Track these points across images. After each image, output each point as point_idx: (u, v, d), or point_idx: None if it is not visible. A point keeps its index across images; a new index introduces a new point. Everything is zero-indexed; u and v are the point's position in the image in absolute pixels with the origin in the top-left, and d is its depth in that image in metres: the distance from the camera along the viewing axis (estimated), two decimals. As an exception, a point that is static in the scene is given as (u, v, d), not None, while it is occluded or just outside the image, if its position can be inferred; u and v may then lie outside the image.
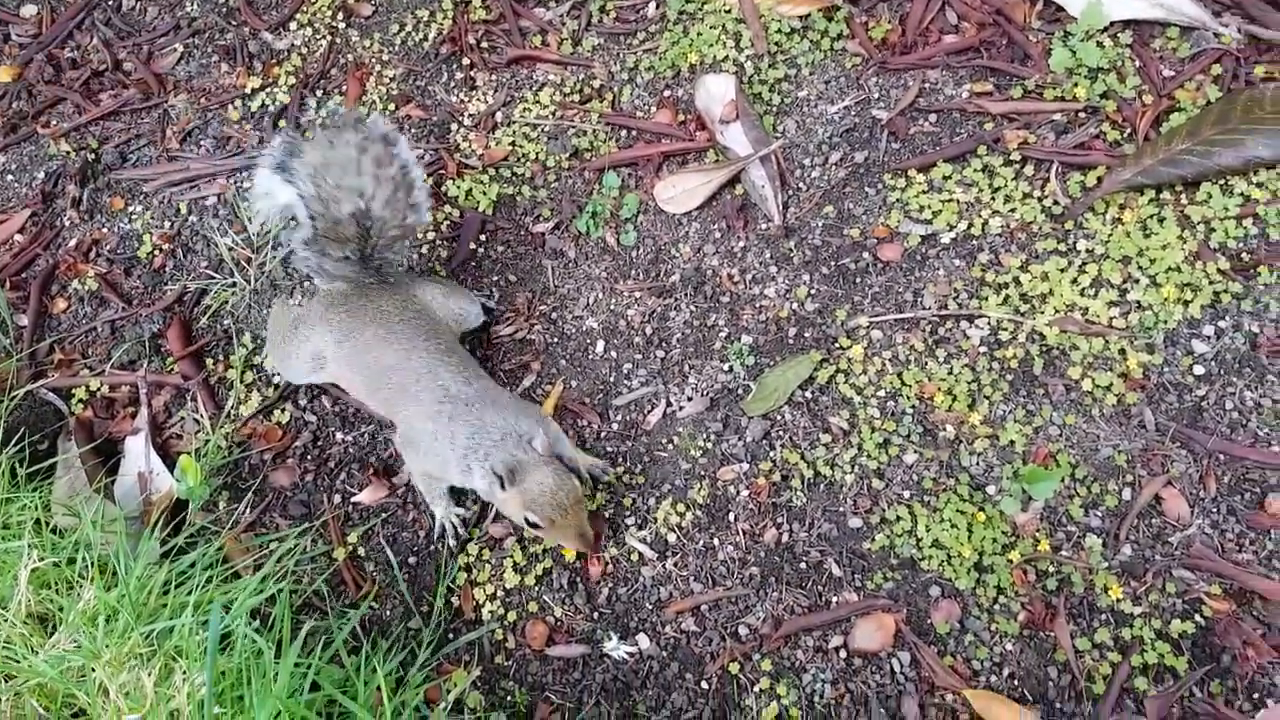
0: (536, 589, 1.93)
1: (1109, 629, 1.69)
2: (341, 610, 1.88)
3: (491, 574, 1.96)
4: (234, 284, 2.34)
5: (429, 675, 1.79)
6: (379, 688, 1.49)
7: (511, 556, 1.95)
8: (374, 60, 2.67)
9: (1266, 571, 1.68)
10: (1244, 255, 1.97)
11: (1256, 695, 1.61)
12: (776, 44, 2.47)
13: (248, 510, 2.09)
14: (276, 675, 1.50)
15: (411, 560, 2.01)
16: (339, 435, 2.18)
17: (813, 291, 2.15)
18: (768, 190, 2.29)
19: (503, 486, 1.65)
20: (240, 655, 1.56)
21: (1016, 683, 1.68)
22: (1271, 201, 2.03)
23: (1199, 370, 1.88)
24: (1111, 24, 2.29)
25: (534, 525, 1.67)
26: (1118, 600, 1.70)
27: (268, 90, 2.62)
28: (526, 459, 1.64)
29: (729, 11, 2.53)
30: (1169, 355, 1.90)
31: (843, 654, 1.76)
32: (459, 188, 2.39)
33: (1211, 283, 1.95)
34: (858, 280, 2.14)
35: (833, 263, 2.18)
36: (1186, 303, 1.94)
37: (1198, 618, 1.67)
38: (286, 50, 2.71)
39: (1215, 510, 1.75)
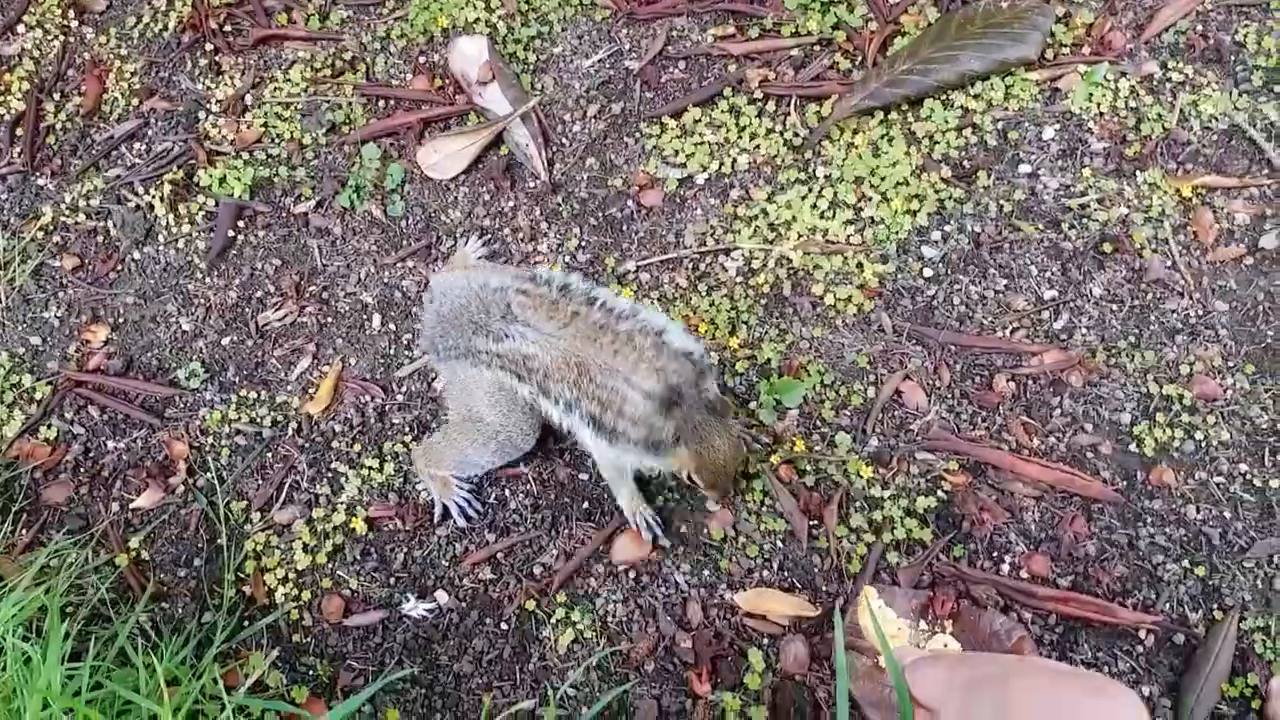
0: (329, 565, 2.02)
1: (863, 513, 1.92)
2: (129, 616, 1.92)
3: (281, 559, 2.03)
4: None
5: (225, 662, 1.85)
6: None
7: (300, 538, 2.03)
8: (112, 56, 2.66)
9: (996, 444, 1.95)
10: (965, 163, 2.24)
11: (995, 554, 1.87)
12: (527, 2, 2.61)
13: (24, 531, 2.09)
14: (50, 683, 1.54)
15: (196, 562, 2.06)
16: (110, 444, 2.20)
17: (583, 243, 2.31)
18: (531, 148, 2.43)
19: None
20: (13, 664, 1.60)
21: (785, 573, 1.89)
22: (986, 111, 2.31)
23: (928, 273, 2.14)
24: (838, -41, 2.53)
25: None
26: (868, 486, 1.93)
27: (0, 99, 2.58)
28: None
29: (478, -23, 2.65)
30: (901, 263, 2.15)
31: (631, 575, 1.93)
32: (212, 176, 2.43)
33: (937, 192, 2.21)
34: (624, 228, 2.31)
35: (600, 214, 2.34)
36: (914, 213, 2.19)
37: (939, 493, 1.92)
38: (16, 55, 2.67)
39: (950, 396, 2.01)
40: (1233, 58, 2.29)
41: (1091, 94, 2.27)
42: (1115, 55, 2.32)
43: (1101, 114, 2.25)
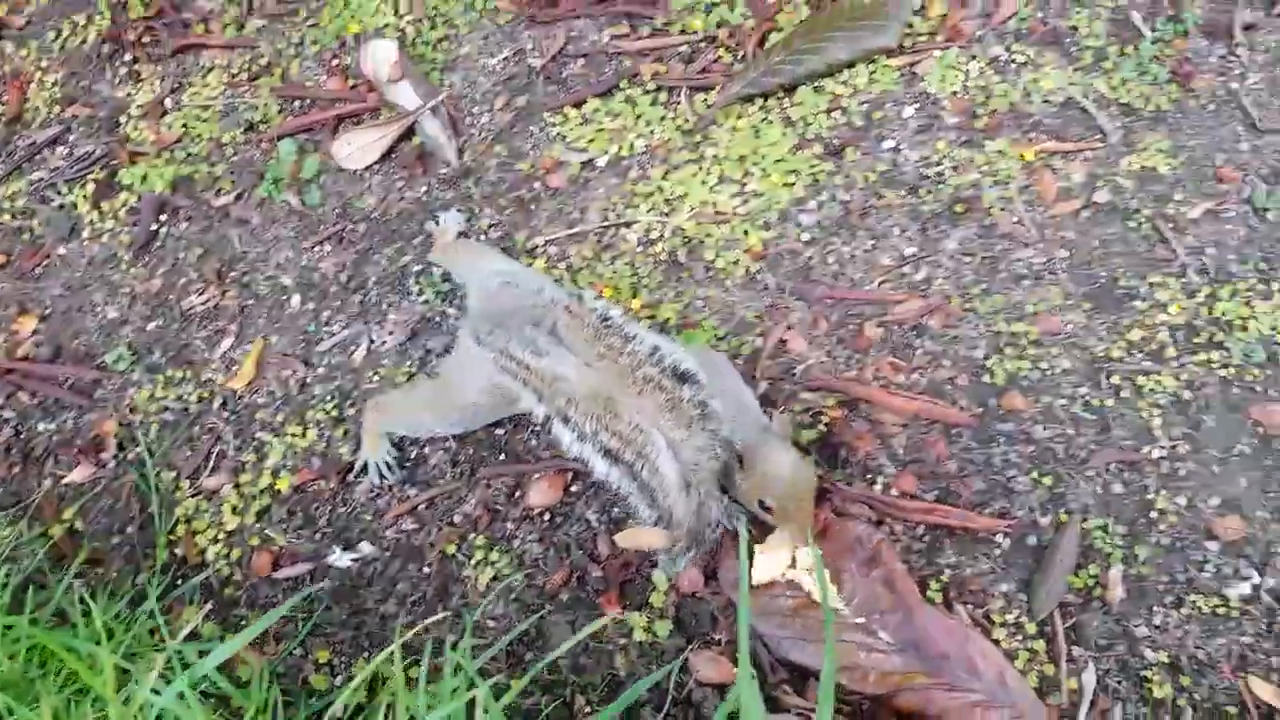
0: (257, 525, 2.19)
1: (753, 449, 2.15)
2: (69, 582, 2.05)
3: (211, 521, 2.19)
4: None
5: (160, 617, 2.00)
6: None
7: (228, 502, 2.20)
8: (33, 68, 2.83)
9: (868, 382, 2.21)
10: (835, 141, 2.53)
11: (869, 475, 2.12)
12: (434, 8, 2.85)
13: (-44, 514, 2.22)
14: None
15: (129, 529, 2.21)
16: (41, 426, 2.34)
17: (494, 222, 2.53)
18: (442, 137, 2.66)
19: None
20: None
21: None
22: (853, 94, 2.61)
23: (806, 237, 2.41)
24: (721, -37, 2.82)
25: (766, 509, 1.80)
26: (758, 425, 2.17)
27: (-85, 107, 2.72)
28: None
29: (387, -14, 2.88)
30: (782, 229, 2.42)
31: (546, 517, 2.14)
32: (134, 175, 2.61)
33: (811, 167, 2.49)
34: (533, 207, 2.54)
35: (509, 195, 2.57)
36: (792, 185, 2.47)
37: (820, 426, 2.17)
38: (-66, 69, 2.81)
39: (827, 343, 2.28)
40: (1067, 39, 2.62)
41: (945, 76, 2.58)
42: (966, 41, 2.64)
43: (954, 93, 2.56)
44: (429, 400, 2.12)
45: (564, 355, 1.84)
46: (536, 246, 2.48)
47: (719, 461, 1.81)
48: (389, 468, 2.18)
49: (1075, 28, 2.63)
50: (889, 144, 2.52)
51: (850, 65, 2.64)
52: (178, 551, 2.17)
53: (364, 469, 2.19)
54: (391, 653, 1.61)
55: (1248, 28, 2.61)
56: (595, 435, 1.83)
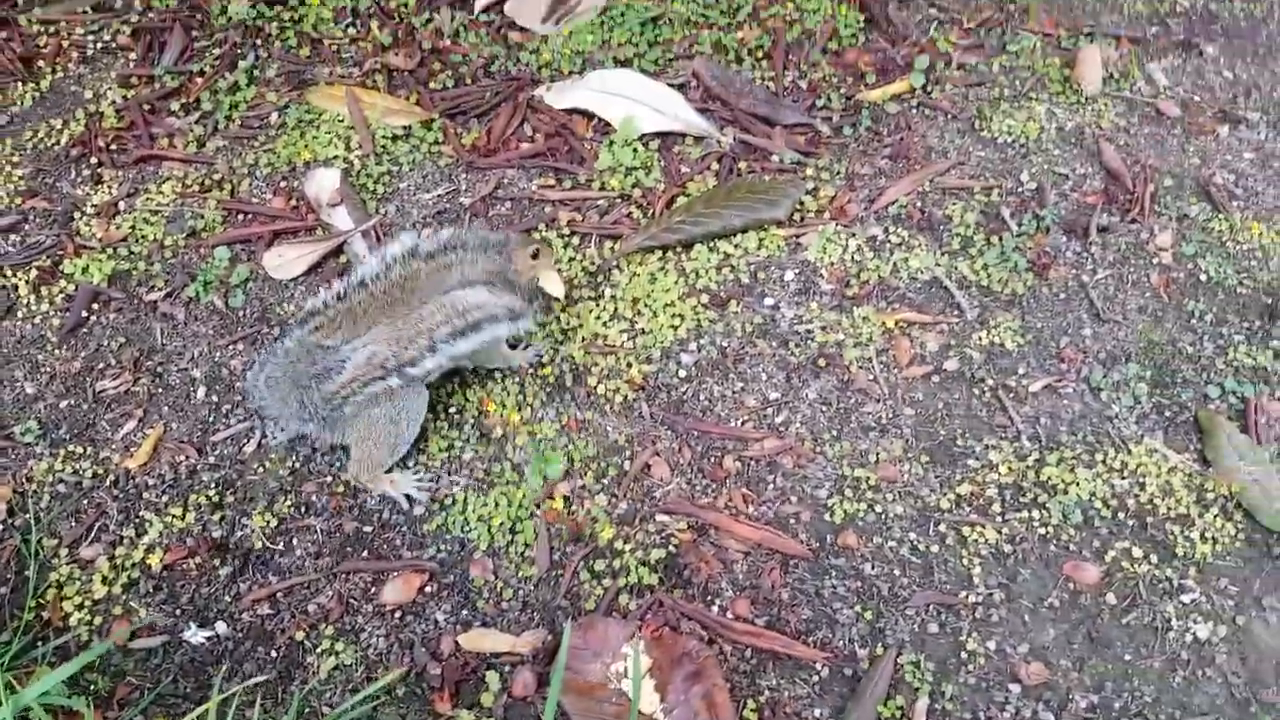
0: (124, 596, 2.31)
1: (605, 561, 2.32)
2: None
3: (81, 589, 2.32)
4: None
5: (15, 675, 2.09)
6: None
7: (100, 572, 2.33)
8: (4, 161, 3.13)
9: (718, 509, 2.40)
10: (721, 293, 2.81)
11: (708, 597, 2.28)
12: (383, 147, 3.19)
13: None
14: None
15: (1, 590, 2.33)
16: (-64, 486, 2.48)
17: (401, 340, 2.76)
18: (368, 256, 2.93)
19: None
20: None
21: (534, 615, 2.26)
22: (743, 256, 2.91)
23: (683, 374, 2.65)
24: (644, 135, 3.20)
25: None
26: (612, 540, 2.34)
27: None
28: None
29: (342, 120, 3.24)
30: (662, 365, 2.66)
31: (397, 614, 2.27)
32: (76, 265, 2.86)
33: (697, 313, 2.76)
34: (439, 329, 2.78)
35: (419, 317, 2.81)
36: (677, 328, 2.73)
37: (670, 547, 2.34)
38: (-86, 156, 3.11)
39: (688, 470, 2.47)
40: (941, 226, 2.95)
41: (826, 248, 2.89)
42: (849, 220, 2.97)
43: (832, 263, 2.86)
44: (372, 434, 2.37)
45: (352, 346, 2.31)
46: (436, 362, 2.69)
47: (496, 265, 2.40)
48: (420, 484, 2.45)
49: (949, 217, 2.97)
50: (769, 301, 2.80)
51: (744, 231, 2.95)
52: (44, 615, 2.28)
53: (410, 500, 2.43)
54: None
55: (1102, 230, 2.96)
56: (436, 340, 2.32)
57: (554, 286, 2.56)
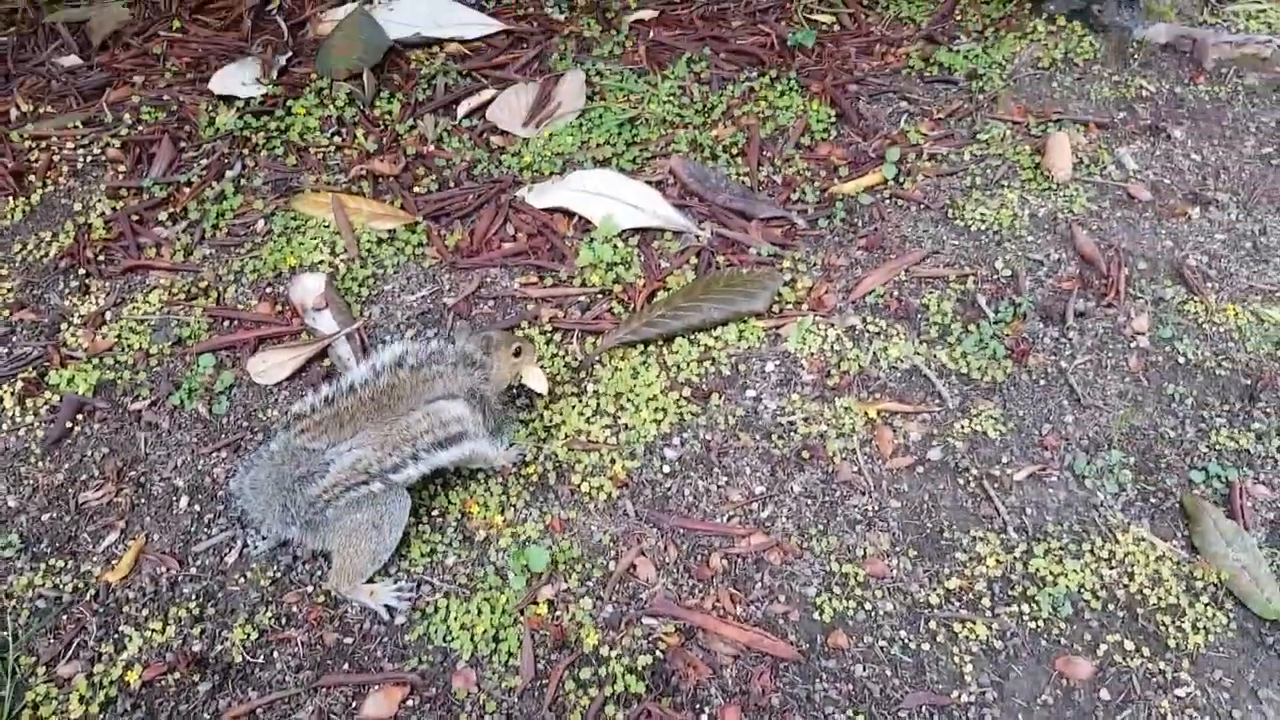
0: (101, 716, 2.28)
1: (591, 669, 2.30)
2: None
3: (57, 708, 2.29)
4: None
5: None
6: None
7: (77, 690, 2.30)
8: (-7, 275, 3.18)
9: (705, 610, 2.38)
10: (703, 387, 2.83)
11: (696, 705, 2.25)
12: (368, 250, 3.25)
13: None
14: None
15: (-21, 711, 2.30)
16: (-87, 606, 2.47)
17: (385, 443, 2.77)
18: (352, 360, 2.96)
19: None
20: None
21: (515, 725, 2.23)
22: (724, 348, 2.94)
23: (667, 469, 2.66)
24: (624, 231, 3.26)
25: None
26: (598, 647, 2.32)
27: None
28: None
29: (327, 226, 3.31)
30: (646, 461, 2.67)
31: (379, 729, 2.23)
32: (62, 376, 2.88)
33: (679, 407, 2.78)
34: (423, 431, 2.79)
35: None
36: (660, 422, 2.75)
37: (657, 652, 2.32)
38: (-98, 274, 3.16)
39: (675, 570, 2.47)
40: (918, 315, 2.99)
41: (805, 339, 2.93)
42: (827, 311, 3.01)
43: (812, 354, 2.90)
44: (354, 541, 2.40)
45: (339, 452, 2.37)
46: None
47: (472, 379, 2.50)
48: (401, 593, 2.44)
49: (926, 306, 3.01)
50: (751, 393, 2.82)
51: (724, 323, 2.99)
52: (17, 738, 2.24)
53: (390, 610, 2.42)
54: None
55: (1079, 315, 3.00)
56: (419, 449, 2.41)
57: (537, 383, 2.63)
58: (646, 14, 4.00)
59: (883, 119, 3.52)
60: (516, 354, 2.57)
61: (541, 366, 2.69)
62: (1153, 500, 2.55)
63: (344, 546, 2.38)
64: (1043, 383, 2.81)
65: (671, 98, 3.64)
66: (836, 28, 3.92)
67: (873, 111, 3.54)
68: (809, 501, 2.58)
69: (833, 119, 3.50)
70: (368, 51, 3.73)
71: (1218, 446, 2.64)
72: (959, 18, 3.92)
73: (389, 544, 2.41)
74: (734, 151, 3.44)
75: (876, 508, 2.55)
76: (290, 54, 3.83)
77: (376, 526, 2.38)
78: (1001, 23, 3.89)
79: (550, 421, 2.77)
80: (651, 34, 3.91)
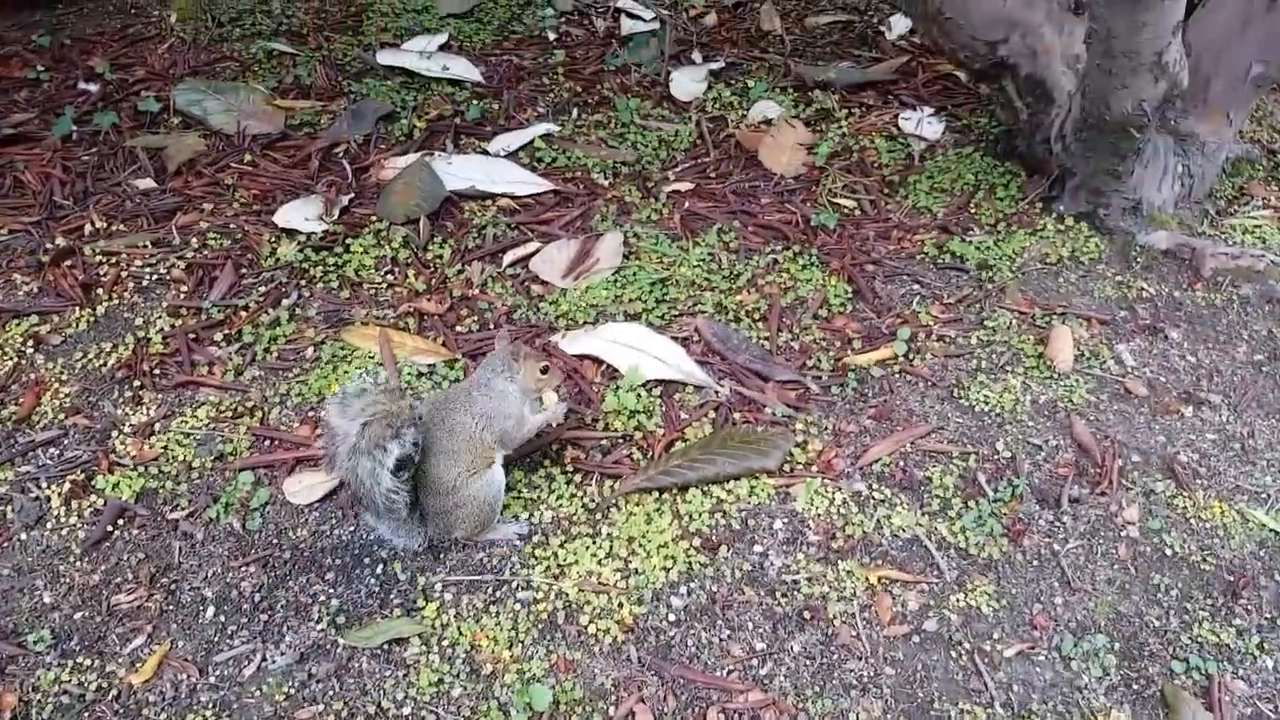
0: (110, 817, 2.40)
1: (584, 811, 2.40)
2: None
3: (69, 805, 2.41)
4: None
5: None
6: None
7: (92, 788, 2.43)
8: (53, 379, 3.44)
9: (701, 761, 2.51)
10: (713, 538, 3.02)
11: None
12: (408, 382, 3.50)
13: None
14: None
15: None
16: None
17: (406, 560, 2.96)
18: (379, 490, 3.16)
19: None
20: None
21: None
22: (735, 502, 3.15)
23: (672, 617, 2.82)
24: (648, 382, 3.52)
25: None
26: (592, 789, 2.44)
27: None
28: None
29: (372, 357, 3.57)
30: (652, 607, 2.84)
31: None
32: (108, 481, 3.10)
33: (689, 556, 2.97)
34: (439, 555, 2.99)
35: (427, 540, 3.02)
36: (669, 570, 2.93)
37: (649, 799, 2.43)
38: (-26, 369, 3.43)
39: (673, 718, 2.60)
40: (921, 487, 3.20)
41: (813, 500, 3.13)
42: (835, 475, 3.22)
43: (818, 515, 3.09)
44: (466, 500, 2.88)
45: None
46: (434, 584, 2.87)
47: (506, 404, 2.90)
48: (516, 520, 2.97)
49: (929, 478, 3.22)
50: (758, 548, 3.00)
51: (737, 478, 3.20)
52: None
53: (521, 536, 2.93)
54: None
55: (1073, 501, 3.19)
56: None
57: (553, 404, 3.00)
58: (684, 186, 4.38)
59: (896, 299, 3.82)
60: (543, 372, 2.90)
61: (558, 390, 3.07)
62: (1135, 687, 2.69)
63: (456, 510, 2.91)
64: (1036, 563, 2.99)
65: (701, 263, 3.96)
66: (858, 212, 4.27)
67: (887, 291, 3.84)
68: (807, 662, 2.73)
69: (849, 295, 3.80)
70: (425, 199, 4.09)
71: (1199, 639, 2.79)
72: (973, 211, 4.27)
73: (497, 508, 2.95)
74: (756, 316, 3.73)
75: (872, 674, 2.70)
76: (353, 195, 4.20)
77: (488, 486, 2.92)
78: (1013, 219, 4.23)
79: (564, 560, 2.95)
80: (687, 204, 4.28)
